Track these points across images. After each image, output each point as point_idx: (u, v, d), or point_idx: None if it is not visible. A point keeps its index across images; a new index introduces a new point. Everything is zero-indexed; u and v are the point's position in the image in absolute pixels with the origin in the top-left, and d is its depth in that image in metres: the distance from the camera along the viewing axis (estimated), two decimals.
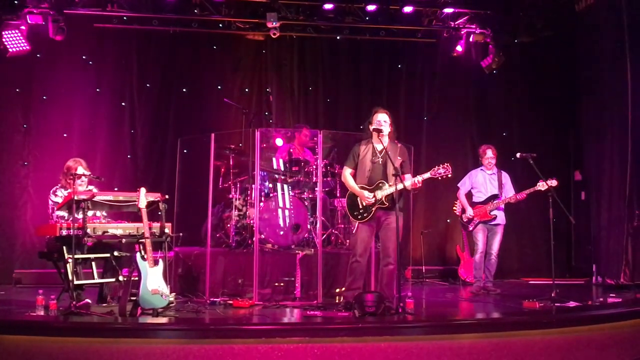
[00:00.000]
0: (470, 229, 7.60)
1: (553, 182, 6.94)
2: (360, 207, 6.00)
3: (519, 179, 7.93)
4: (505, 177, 7.71)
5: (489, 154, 7.66)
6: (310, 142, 8.12)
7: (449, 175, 5.94)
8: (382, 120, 6.05)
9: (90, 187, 6.24)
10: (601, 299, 6.63)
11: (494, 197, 7.53)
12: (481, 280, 7.49)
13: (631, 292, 7.42)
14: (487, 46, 9.15)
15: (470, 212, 7.56)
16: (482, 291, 7.41)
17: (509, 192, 7.59)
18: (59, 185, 6.27)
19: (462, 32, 9.18)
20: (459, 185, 7.81)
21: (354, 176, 6.12)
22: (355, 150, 6.14)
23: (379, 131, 5.98)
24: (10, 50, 8.04)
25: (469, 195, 7.78)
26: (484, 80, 9.53)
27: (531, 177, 7.16)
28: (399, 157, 5.99)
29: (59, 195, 6.16)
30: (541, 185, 7.02)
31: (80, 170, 6.21)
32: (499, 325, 5.36)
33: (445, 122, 9.69)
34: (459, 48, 9.26)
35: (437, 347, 4.94)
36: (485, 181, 7.65)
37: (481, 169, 7.75)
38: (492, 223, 7.50)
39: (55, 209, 6.03)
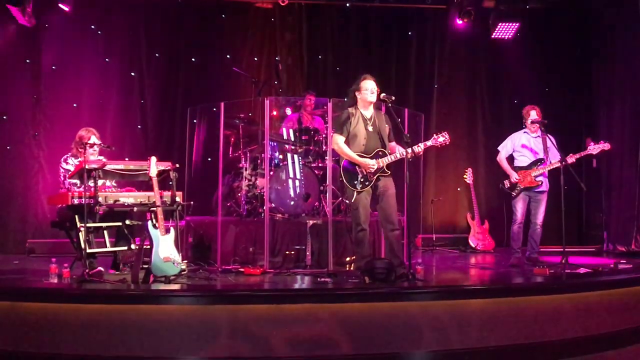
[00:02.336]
0: (514, 195, 7.04)
1: (606, 146, 6.74)
2: (361, 176, 5.86)
3: None
4: (551, 141, 6.99)
5: (534, 115, 7.04)
6: (318, 109, 8.08)
7: (447, 143, 5.84)
8: (374, 87, 5.90)
9: (100, 157, 6.26)
10: (612, 266, 6.61)
11: (539, 161, 7.01)
12: (519, 252, 7.07)
13: None
14: (498, 12, 8.99)
15: (515, 176, 7.04)
16: (525, 263, 6.94)
17: (555, 156, 6.92)
18: (70, 154, 6.29)
19: None
20: (499, 148, 7.30)
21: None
22: (349, 119, 5.94)
23: (377, 100, 5.89)
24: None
25: (509, 159, 7.25)
26: (494, 47, 9.42)
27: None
28: (386, 125, 5.96)
29: (70, 163, 6.17)
30: (592, 149, 6.76)
31: (93, 139, 6.22)
32: (508, 291, 5.38)
33: (455, 90, 9.62)
34: (469, 14, 9.12)
35: (447, 313, 4.97)
36: (529, 144, 7.11)
37: (524, 132, 7.19)
38: (537, 190, 6.98)
39: (66, 177, 6.05)
